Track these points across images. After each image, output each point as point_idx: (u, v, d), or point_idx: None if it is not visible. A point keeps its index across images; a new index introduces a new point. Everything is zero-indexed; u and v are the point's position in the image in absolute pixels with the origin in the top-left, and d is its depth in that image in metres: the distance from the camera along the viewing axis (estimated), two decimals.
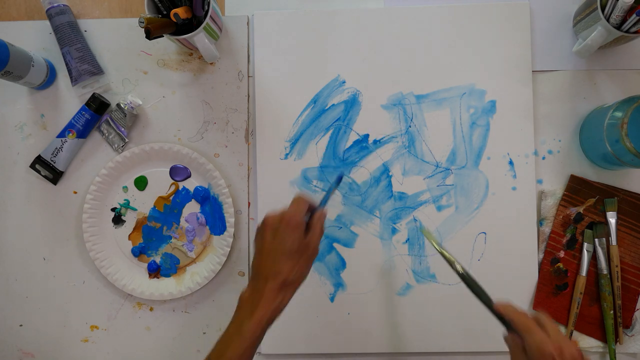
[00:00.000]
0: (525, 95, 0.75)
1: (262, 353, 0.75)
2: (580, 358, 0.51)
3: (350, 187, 0.76)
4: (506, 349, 0.73)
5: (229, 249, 0.75)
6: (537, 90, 0.75)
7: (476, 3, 0.76)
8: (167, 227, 0.77)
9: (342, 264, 0.75)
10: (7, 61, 0.67)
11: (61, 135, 0.76)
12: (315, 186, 0.76)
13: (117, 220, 0.77)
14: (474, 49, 0.76)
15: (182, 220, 0.77)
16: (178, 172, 0.77)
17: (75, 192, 0.78)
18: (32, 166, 0.77)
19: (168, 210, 0.77)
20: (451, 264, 0.60)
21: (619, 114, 0.65)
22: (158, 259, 0.77)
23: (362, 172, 0.76)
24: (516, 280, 0.74)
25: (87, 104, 0.76)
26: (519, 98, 0.75)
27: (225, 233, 0.76)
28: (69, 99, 0.78)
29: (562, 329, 0.73)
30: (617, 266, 0.72)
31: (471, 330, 0.74)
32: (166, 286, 0.76)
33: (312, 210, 0.61)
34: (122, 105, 0.75)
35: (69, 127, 0.76)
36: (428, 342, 0.74)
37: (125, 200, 0.77)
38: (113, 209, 0.77)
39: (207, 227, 0.77)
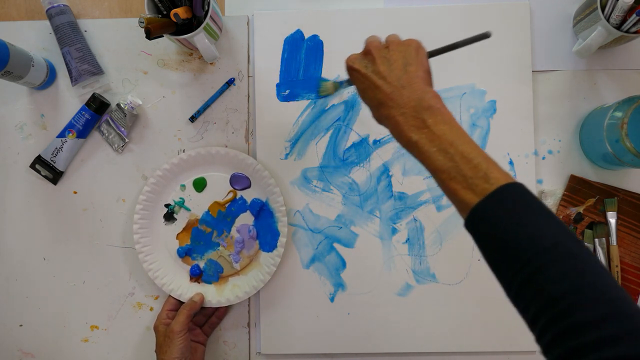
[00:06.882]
0: (525, 95, 0.75)
1: (262, 353, 0.75)
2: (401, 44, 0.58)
3: (350, 187, 0.76)
4: (507, 349, 0.73)
5: (275, 269, 0.73)
6: (537, 90, 0.75)
7: (476, 3, 0.76)
8: (217, 234, 0.76)
9: (342, 264, 0.75)
10: (7, 61, 0.67)
11: (61, 135, 0.76)
12: (315, 186, 0.76)
13: (169, 217, 0.76)
14: (474, 49, 0.75)
15: (233, 229, 0.75)
16: (239, 181, 0.75)
17: (75, 192, 0.78)
18: (32, 166, 0.77)
19: (221, 217, 0.75)
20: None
21: (619, 114, 0.65)
22: (202, 264, 0.75)
23: (362, 172, 0.76)
24: None
25: (87, 104, 0.75)
26: (519, 98, 0.75)
27: (274, 251, 0.74)
28: (69, 99, 0.78)
29: None
30: (617, 266, 0.72)
31: (471, 330, 0.74)
32: (206, 293, 0.74)
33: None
34: (122, 105, 0.75)
35: (69, 127, 0.76)
36: (428, 342, 0.74)
37: (180, 198, 0.76)
38: (167, 205, 0.76)
39: (257, 242, 0.75)
